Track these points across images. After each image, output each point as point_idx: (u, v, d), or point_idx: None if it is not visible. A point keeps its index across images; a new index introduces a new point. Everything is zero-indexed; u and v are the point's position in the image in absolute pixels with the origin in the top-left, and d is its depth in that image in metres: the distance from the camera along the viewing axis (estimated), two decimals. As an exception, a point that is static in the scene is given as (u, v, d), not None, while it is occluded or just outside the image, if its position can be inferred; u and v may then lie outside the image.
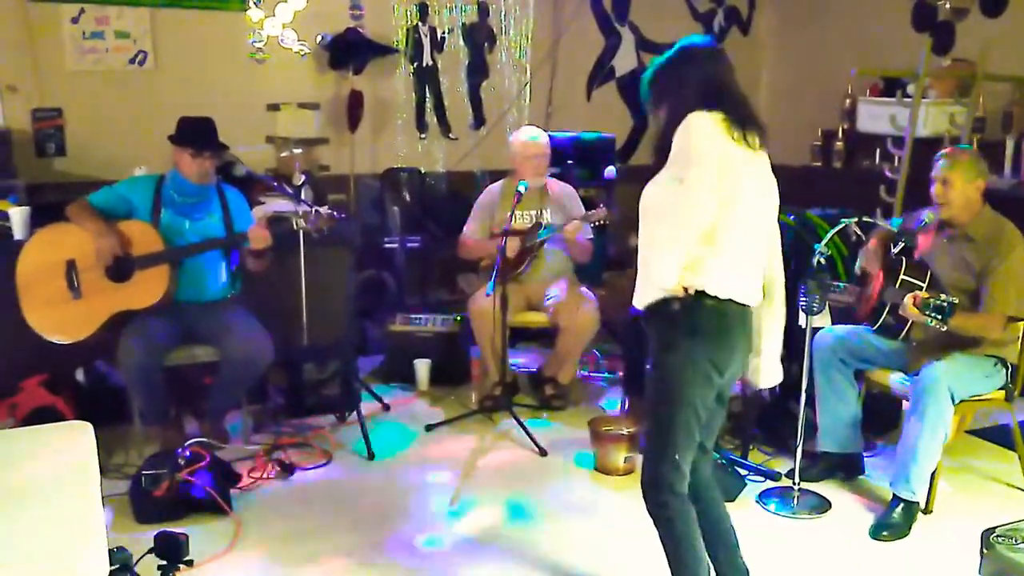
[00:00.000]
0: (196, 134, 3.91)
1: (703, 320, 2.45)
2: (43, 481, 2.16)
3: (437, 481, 3.81)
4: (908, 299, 3.28)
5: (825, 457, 3.78)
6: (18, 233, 4.11)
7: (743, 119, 2.46)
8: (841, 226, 3.55)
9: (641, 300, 2.52)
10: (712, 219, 2.38)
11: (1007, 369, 3.54)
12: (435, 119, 6.05)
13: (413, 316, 5.01)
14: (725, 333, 2.49)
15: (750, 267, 2.52)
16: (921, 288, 3.44)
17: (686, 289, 2.41)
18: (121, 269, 3.79)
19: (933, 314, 3.19)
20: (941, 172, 3.49)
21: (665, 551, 2.57)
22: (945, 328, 3.21)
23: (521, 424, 4.20)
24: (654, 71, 2.59)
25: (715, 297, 2.42)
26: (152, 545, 2.85)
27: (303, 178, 4.91)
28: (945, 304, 3.17)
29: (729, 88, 2.52)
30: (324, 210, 4.06)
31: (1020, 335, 3.54)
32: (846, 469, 3.79)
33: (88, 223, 3.78)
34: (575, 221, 4.48)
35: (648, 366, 2.58)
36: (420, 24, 5.87)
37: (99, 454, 2.34)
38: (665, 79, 2.56)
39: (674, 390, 2.49)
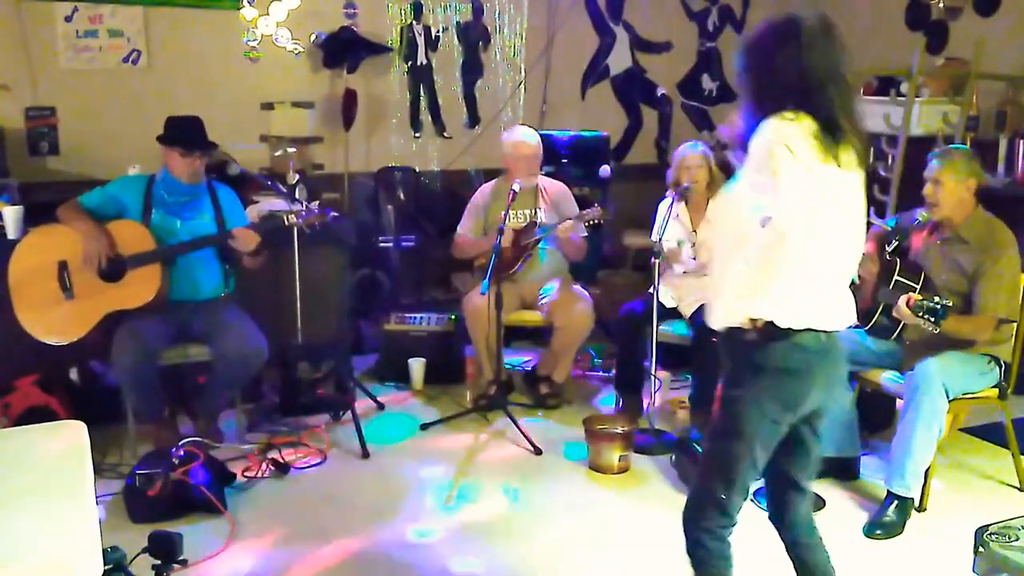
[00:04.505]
0: (184, 133, 3.91)
1: (773, 357, 2.17)
2: (37, 481, 2.15)
3: (432, 480, 3.81)
4: (902, 301, 3.29)
5: (822, 460, 3.77)
6: (11, 232, 4.10)
7: (837, 129, 2.10)
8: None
9: (714, 321, 2.28)
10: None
11: (1000, 367, 3.56)
12: (429, 118, 6.05)
13: (408, 315, 5.00)
14: (800, 371, 2.19)
15: (834, 290, 2.24)
16: (915, 289, 3.44)
17: (754, 321, 2.15)
18: (113, 269, 3.78)
19: (926, 316, 3.19)
20: (933, 172, 3.49)
21: None
22: (938, 330, 3.22)
23: (516, 423, 4.20)
24: (746, 46, 2.24)
25: (788, 330, 2.14)
26: (146, 544, 2.85)
27: (297, 177, 4.91)
28: (939, 307, 3.17)
29: (830, 84, 2.12)
30: (314, 206, 4.07)
31: (1014, 334, 3.56)
32: (841, 473, 3.78)
33: (79, 224, 3.77)
34: (568, 220, 4.48)
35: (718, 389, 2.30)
36: (414, 23, 5.86)
37: (93, 453, 2.33)
38: (754, 59, 2.21)
39: (732, 428, 2.22)
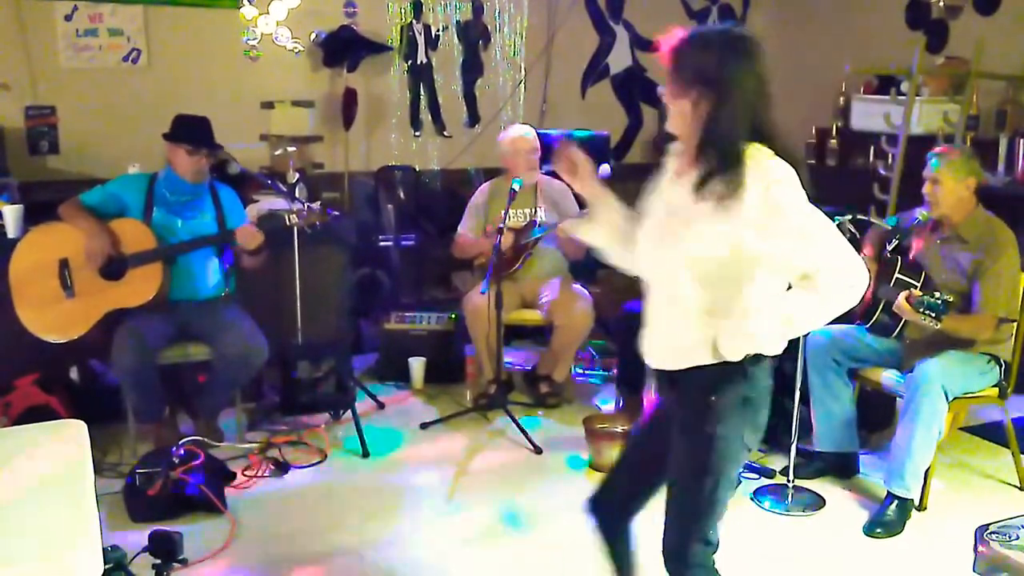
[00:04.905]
0: (192, 132, 3.91)
1: (758, 387, 2.10)
2: (37, 480, 2.15)
3: (431, 479, 3.81)
4: (902, 297, 3.29)
5: (821, 457, 3.78)
6: (11, 231, 4.10)
7: (795, 161, 2.05)
8: (835, 224, 3.55)
9: (676, 360, 2.14)
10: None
11: (1000, 367, 3.56)
12: (429, 117, 6.05)
13: (408, 314, 5.00)
14: (768, 395, 2.14)
15: None
16: (915, 287, 3.45)
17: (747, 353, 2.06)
18: (114, 268, 3.78)
19: (927, 312, 3.20)
20: (932, 171, 3.51)
21: None
22: (939, 326, 3.22)
23: (516, 422, 4.20)
24: (702, 57, 1.99)
25: (769, 357, 2.09)
26: (146, 544, 2.86)
27: (297, 176, 4.91)
28: (939, 302, 3.18)
29: (770, 106, 2.05)
30: (315, 205, 4.07)
31: (1014, 333, 3.56)
32: (841, 470, 3.79)
33: (80, 222, 3.77)
34: (569, 220, 4.48)
35: (680, 430, 2.17)
36: (414, 22, 5.86)
37: (93, 453, 2.34)
38: (713, 71, 1.98)
39: (718, 465, 2.10)
